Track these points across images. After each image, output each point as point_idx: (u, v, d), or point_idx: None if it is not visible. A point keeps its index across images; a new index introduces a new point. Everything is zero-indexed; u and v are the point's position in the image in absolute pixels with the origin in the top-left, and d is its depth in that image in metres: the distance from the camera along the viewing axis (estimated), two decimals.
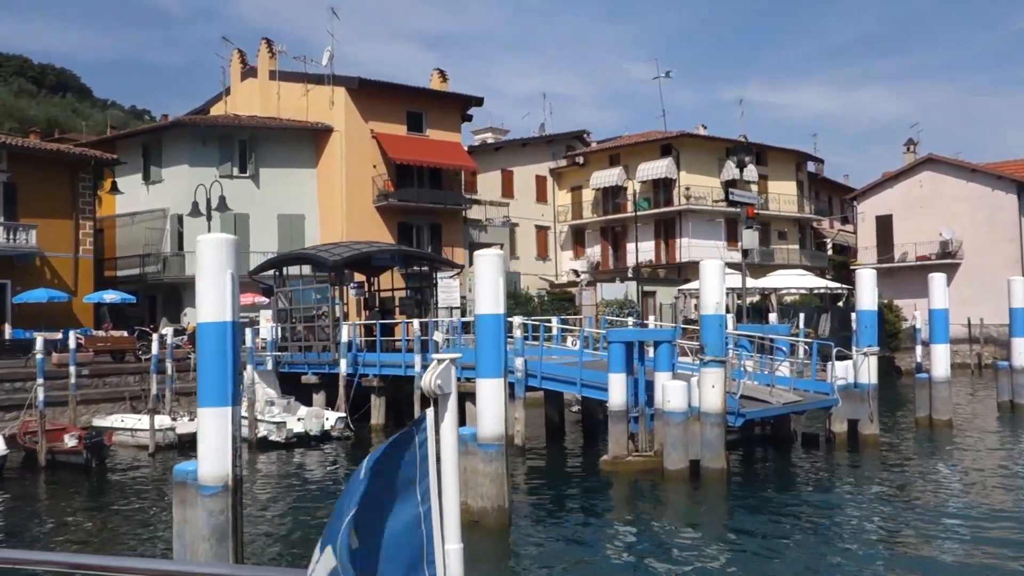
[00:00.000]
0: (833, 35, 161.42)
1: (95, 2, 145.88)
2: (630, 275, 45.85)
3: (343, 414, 23.47)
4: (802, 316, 29.40)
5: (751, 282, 40.42)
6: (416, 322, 23.09)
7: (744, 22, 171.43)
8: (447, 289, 27.35)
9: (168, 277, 37.54)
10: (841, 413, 19.77)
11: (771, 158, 54.48)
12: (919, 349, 27.67)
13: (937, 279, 22.93)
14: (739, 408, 16.54)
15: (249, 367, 22.84)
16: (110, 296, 32.65)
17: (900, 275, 48.19)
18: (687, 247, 49.50)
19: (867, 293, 19.95)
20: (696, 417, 16.06)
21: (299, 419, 22.74)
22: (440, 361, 2.63)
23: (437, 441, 2.34)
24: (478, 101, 41.20)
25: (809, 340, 20.84)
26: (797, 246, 55.14)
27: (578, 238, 56.08)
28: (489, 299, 12.52)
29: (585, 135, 59.38)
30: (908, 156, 54.30)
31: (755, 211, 21.51)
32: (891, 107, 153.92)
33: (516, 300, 35.63)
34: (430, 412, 2.34)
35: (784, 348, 20.02)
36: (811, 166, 59.28)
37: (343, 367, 24.42)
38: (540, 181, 55.33)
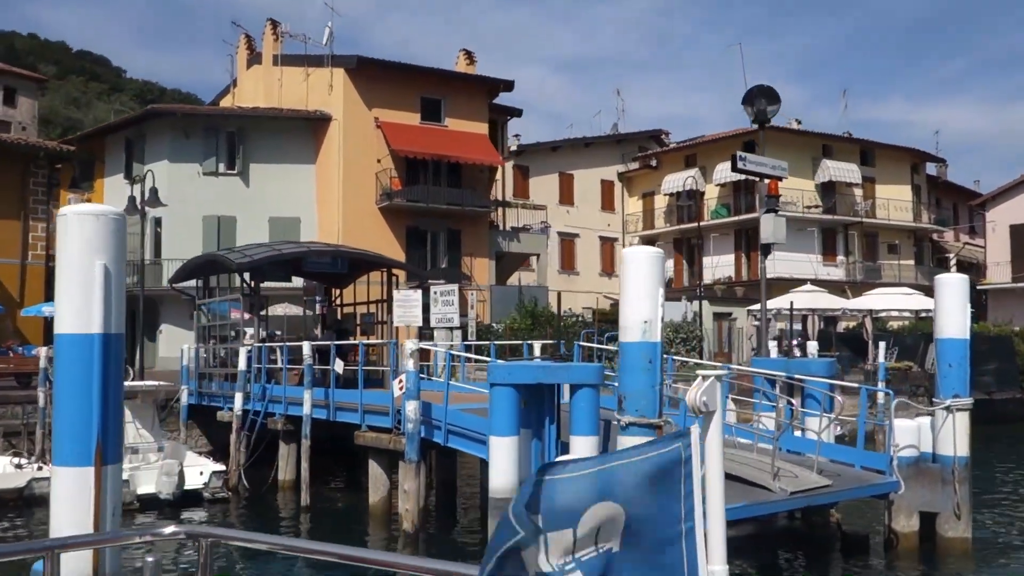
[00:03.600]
0: (985, 51, 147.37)
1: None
2: (700, 293, 38.44)
3: (219, 467, 17.50)
4: (882, 346, 21.68)
5: (841, 303, 32.52)
6: (306, 345, 16.89)
7: (887, 39, 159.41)
8: (404, 303, 21.09)
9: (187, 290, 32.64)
10: (908, 502, 12.42)
11: (880, 157, 46.00)
12: None
13: None
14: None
15: None
16: (49, 309, 27.98)
17: None
18: (772, 261, 41.53)
19: (953, 312, 12.53)
20: None
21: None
22: (705, 377, 2.42)
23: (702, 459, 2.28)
24: (507, 85, 34.92)
25: (849, 383, 13.33)
26: (912, 261, 46.30)
27: None
28: (73, 309, 6.23)
29: (663, 136, 52.26)
30: None
31: (778, 187, 14.35)
32: None
33: (535, 319, 29.07)
34: (695, 428, 2.28)
35: (816, 396, 12.79)
36: (931, 168, 50.23)
37: (237, 402, 18.50)
38: (606, 186, 48.65)
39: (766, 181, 14.12)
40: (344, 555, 3.39)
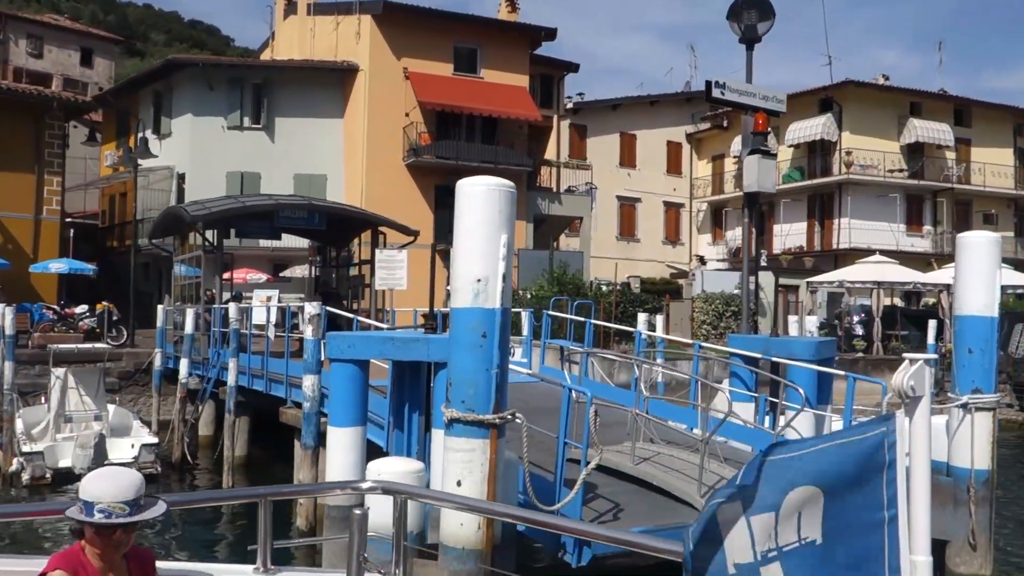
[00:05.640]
0: None
1: None
2: (764, 264, 35.18)
3: (152, 440, 15.78)
4: (932, 325, 18.37)
5: (913, 276, 28.87)
6: (233, 307, 14.92)
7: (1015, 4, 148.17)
8: (388, 264, 19.02)
9: (165, 246, 31.57)
10: None
11: (977, 117, 41.37)
12: None
13: None
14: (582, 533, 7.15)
15: (8, 364, 15.71)
16: (56, 266, 27.02)
17: None
18: (847, 229, 37.89)
19: (978, 282, 9.60)
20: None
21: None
22: (913, 361, 2.38)
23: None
24: (550, 34, 32.23)
25: (837, 371, 10.36)
26: (1011, 233, 41.59)
27: (717, 218, 45.56)
28: None
29: None
30: None
31: (767, 123, 11.40)
32: None
33: (562, 287, 26.61)
34: (900, 414, 2.27)
35: (798, 387, 10.03)
36: None
37: (182, 369, 16.80)
38: (673, 148, 45.37)
39: (751, 115, 11.32)
40: (521, 517, 3.90)
